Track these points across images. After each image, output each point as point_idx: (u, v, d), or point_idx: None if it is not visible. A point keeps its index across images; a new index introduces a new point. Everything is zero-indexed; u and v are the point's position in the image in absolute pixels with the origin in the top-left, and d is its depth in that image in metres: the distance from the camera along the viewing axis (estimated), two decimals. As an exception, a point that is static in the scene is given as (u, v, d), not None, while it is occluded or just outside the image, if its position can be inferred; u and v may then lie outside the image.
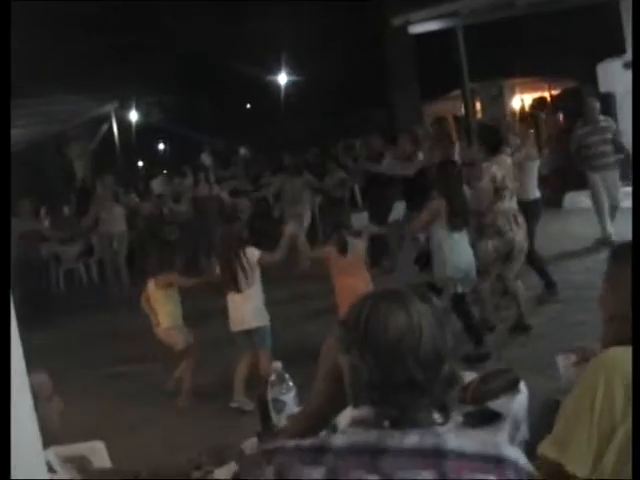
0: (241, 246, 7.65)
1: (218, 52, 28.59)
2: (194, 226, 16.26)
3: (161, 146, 44.03)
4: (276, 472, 1.91)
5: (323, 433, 2.17)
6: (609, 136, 13.50)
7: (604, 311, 2.91)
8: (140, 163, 35.73)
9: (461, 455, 1.86)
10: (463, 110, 18.99)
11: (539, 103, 24.82)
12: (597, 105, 13.97)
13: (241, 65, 28.97)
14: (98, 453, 4.86)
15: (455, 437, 1.91)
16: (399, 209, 12.25)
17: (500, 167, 8.86)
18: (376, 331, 1.96)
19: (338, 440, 1.94)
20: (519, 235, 8.80)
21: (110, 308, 14.07)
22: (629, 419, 2.55)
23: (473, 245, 8.57)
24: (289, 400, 3.53)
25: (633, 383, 2.54)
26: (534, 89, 25.57)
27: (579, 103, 16.71)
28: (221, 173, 22.35)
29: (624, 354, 2.65)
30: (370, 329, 1.97)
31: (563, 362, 3.81)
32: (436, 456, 1.85)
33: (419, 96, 23.95)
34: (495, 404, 3.98)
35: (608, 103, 16.97)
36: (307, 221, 15.98)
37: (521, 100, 25.51)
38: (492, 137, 9.53)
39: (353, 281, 7.96)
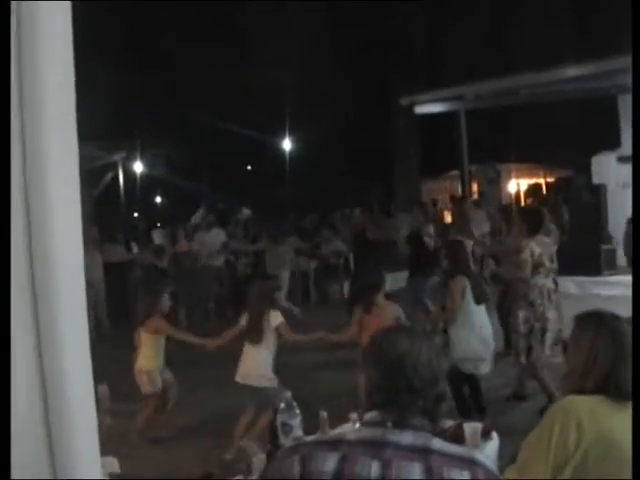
0: (271, 304, 7.90)
1: (225, 113, 29.06)
2: (190, 279, 16.71)
3: (158, 199, 44.21)
4: (301, 459, 2.44)
5: (339, 430, 2.71)
6: None
7: (567, 365, 3.45)
8: (135, 214, 35.63)
9: (443, 454, 2.39)
10: (460, 190, 19.46)
11: (534, 189, 25.31)
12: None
13: (246, 128, 29.52)
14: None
15: (440, 441, 2.46)
16: (398, 278, 12.70)
17: (538, 245, 9.20)
18: (386, 351, 2.58)
19: (351, 435, 2.52)
20: (550, 312, 9.04)
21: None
22: (578, 455, 3.09)
23: (506, 316, 8.89)
24: (295, 424, 4.12)
25: (633, 384, 3.14)
26: (530, 175, 26.05)
27: (572, 192, 17.29)
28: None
29: (578, 401, 3.23)
30: (382, 350, 2.60)
31: (468, 430, 4.46)
32: (424, 453, 2.39)
33: (419, 173, 24.53)
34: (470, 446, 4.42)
35: (599, 195, 17.48)
36: (286, 284, 16.37)
37: (517, 185, 26.00)
38: (533, 218, 9.94)
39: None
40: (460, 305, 8.39)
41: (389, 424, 2.46)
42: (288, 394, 4.24)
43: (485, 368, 8.60)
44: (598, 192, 17.49)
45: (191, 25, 26.55)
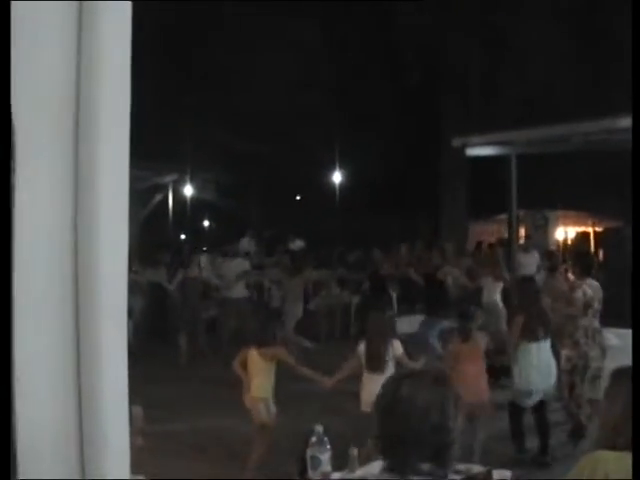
0: (390, 332, 8.29)
1: (277, 140, 29.22)
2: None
3: (206, 223, 44.52)
4: None
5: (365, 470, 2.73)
6: None
7: (600, 419, 3.42)
8: (183, 236, 35.95)
9: None
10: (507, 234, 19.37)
11: (582, 237, 25.15)
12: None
13: (298, 157, 29.65)
14: None
15: None
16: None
17: (589, 287, 9.90)
18: (397, 399, 2.60)
19: (370, 476, 2.68)
20: (594, 351, 9.48)
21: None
22: None
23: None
24: (324, 459, 4.09)
25: (633, 384, 3.11)
26: (578, 223, 25.92)
27: (620, 242, 17.12)
28: (264, 260, 22.89)
29: (608, 456, 3.22)
30: (391, 398, 2.65)
31: (496, 477, 4.38)
32: None
33: (466, 214, 24.47)
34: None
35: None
36: (295, 317, 16.39)
37: (565, 232, 25.87)
38: (585, 260, 10.76)
39: (471, 367, 8.50)
40: (520, 342, 8.86)
41: (396, 473, 2.47)
42: (320, 428, 4.22)
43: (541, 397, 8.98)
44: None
45: (247, 47, 26.63)
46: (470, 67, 24.13)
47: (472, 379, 8.36)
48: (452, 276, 16.24)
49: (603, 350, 8.70)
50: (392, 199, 31.14)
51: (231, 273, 17.05)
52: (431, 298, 15.44)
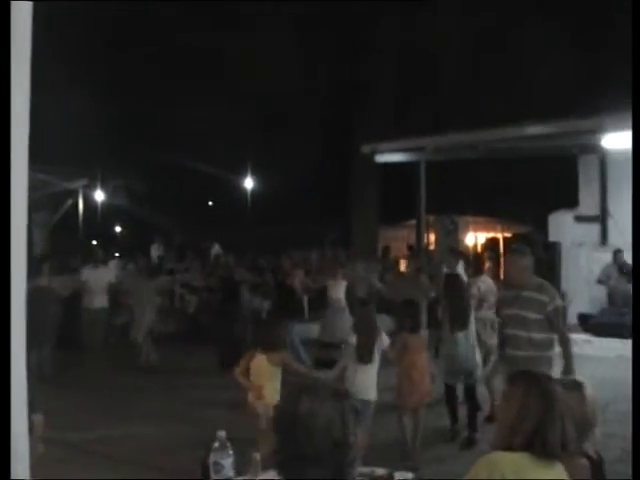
0: (377, 327, 8.76)
1: (188, 148, 29.14)
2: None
3: (118, 229, 44.13)
4: None
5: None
6: None
7: (497, 420, 3.51)
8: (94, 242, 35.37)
9: None
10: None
11: (491, 243, 25.52)
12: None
13: (209, 164, 29.61)
14: None
15: None
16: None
17: (483, 283, 11.45)
18: (296, 416, 2.54)
19: None
20: (492, 340, 10.19)
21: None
22: None
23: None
24: (227, 465, 4.09)
25: (633, 384, 3.23)
26: (487, 229, 26.30)
27: (530, 247, 17.45)
28: (174, 265, 22.78)
29: (504, 457, 3.30)
30: (290, 413, 2.56)
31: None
32: None
33: (377, 220, 24.64)
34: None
35: (554, 252, 17.69)
36: (146, 321, 16.41)
37: (475, 237, 26.23)
38: (476, 260, 12.80)
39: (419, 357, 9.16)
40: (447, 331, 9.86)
41: None
42: (222, 433, 4.21)
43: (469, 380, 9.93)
44: (553, 249, 17.68)
45: (162, 60, 26.60)
46: (381, 76, 24.33)
47: (421, 368, 9.04)
48: (298, 279, 17.10)
49: (502, 339, 9.08)
50: (303, 205, 31.26)
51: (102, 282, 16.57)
52: (282, 302, 15.71)
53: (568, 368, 7.59)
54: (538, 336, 7.63)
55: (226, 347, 14.60)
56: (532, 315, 7.60)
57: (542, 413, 3.35)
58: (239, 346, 13.58)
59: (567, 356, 7.74)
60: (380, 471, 4.60)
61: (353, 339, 8.69)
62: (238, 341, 14.46)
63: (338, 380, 8.52)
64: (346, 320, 13.95)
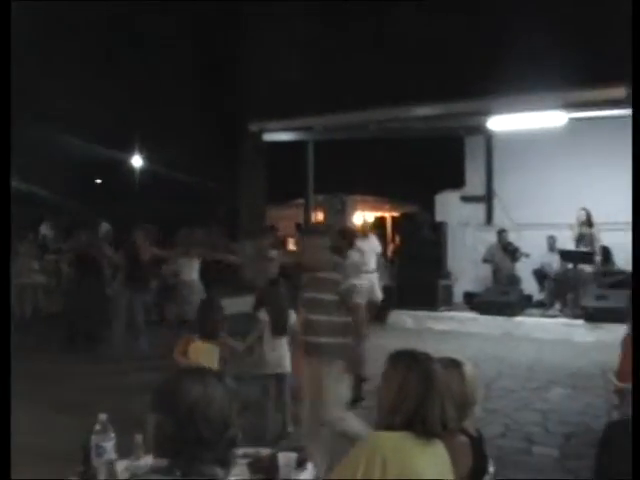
0: (286, 303, 8.82)
1: (76, 126, 28.58)
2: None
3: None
4: None
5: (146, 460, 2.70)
6: None
7: (378, 401, 3.50)
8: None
9: None
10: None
11: (379, 222, 25.76)
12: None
13: (96, 141, 29.11)
14: None
15: None
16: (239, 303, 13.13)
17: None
18: (177, 397, 2.49)
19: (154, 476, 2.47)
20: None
21: None
22: None
23: None
24: (109, 447, 4.00)
25: (633, 384, 3.21)
26: (375, 208, 26.52)
27: (416, 227, 17.66)
28: (61, 245, 22.29)
29: (385, 437, 3.31)
30: (172, 396, 2.53)
31: (282, 459, 4.39)
32: None
33: (265, 198, 24.59)
34: (285, 476, 4.40)
35: (440, 232, 17.92)
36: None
37: (363, 217, 26.40)
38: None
39: None
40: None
41: (178, 473, 2.42)
42: (104, 416, 4.12)
43: None
44: (439, 229, 17.91)
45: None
46: (271, 55, 24.23)
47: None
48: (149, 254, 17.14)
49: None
50: (191, 183, 31.02)
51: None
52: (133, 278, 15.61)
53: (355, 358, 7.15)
54: (335, 319, 7.02)
55: (76, 324, 14.74)
56: (327, 296, 7.06)
57: (422, 393, 3.37)
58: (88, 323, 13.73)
59: (356, 345, 7.13)
60: (264, 452, 4.57)
61: (263, 315, 8.82)
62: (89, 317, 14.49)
63: (248, 352, 8.71)
64: (195, 300, 14.12)
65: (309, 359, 7.03)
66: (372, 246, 15.23)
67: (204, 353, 8.20)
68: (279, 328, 8.70)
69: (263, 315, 8.84)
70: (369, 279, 14.59)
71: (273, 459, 4.39)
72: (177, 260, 14.83)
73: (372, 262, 15.03)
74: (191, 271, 14.56)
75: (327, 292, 7.04)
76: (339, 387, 6.74)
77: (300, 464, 4.55)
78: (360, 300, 7.22)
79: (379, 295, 14.91)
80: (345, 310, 6.98)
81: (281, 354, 8.71)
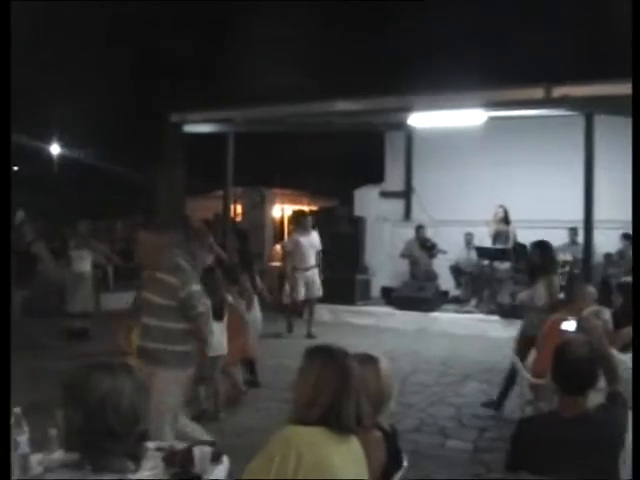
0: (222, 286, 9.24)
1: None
2: None
3: None
4: None
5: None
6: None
7: (293, 395, 3.48)
8: None
9: None
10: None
11: (298, 216, 25.73)
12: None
13: (14, 131, 28.54)
14: None
15: None
16: None
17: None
18: (86, 391, 2.45)
19: (48, 476, 2.48)
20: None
21: None
22: None
23: None
24: (22, 442, 3.93)
25: (633, 384, 3.19)
26: (294, 202, 26.49)
27: (335, 221, 17.71)
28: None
29: (300, 432, 3.30)
30: (82, 390, 2.50)
31: (197, 453, 4.37)
32: None
33: (184, 190, 24.39)
34: (200, 470, 4.37)
35: (359, 227, 17.99)
36: None
37: (281, 210, 26.37)
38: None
39: None
40: None
41: (88, 467, 2.38)
42: (17, 410, 4.04)
43: None
44: (358, 224, 17.98)
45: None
46: (192, 47, 24.08)
47: (236, 329, 9.54)
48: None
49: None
50: (111, 173, 30.68)
51: None
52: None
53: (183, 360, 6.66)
54: (171, 326, 6.58)
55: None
56: (162, 301, 6.58)
57: (337, 388, 3.38)
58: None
59: (200, 349, 6.77)
60: (179, 445, 4.52)
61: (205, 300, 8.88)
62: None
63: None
64: (88, 291, 14.44)
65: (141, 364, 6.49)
66: (312, 242, 15.24)
67: None
68: (218, 313, 8.78)
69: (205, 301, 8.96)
70: (307, 275, 14.96)
71: (188, 453, 4.35)
72: (69, 252, 14.69)
73: (312, 258, 15.13)
74: (81, 263, 14.46)
75: (163, 296, 6.59)
76: (165, 396, 6.29)
77: (215, 458, 4.51)
78: (203, 309, 6.71)
79: (319, 291, 15.13)
80: (184, 317, 6.59)
81: (219, 338, 8.79)
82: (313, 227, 15.46)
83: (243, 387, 9.90)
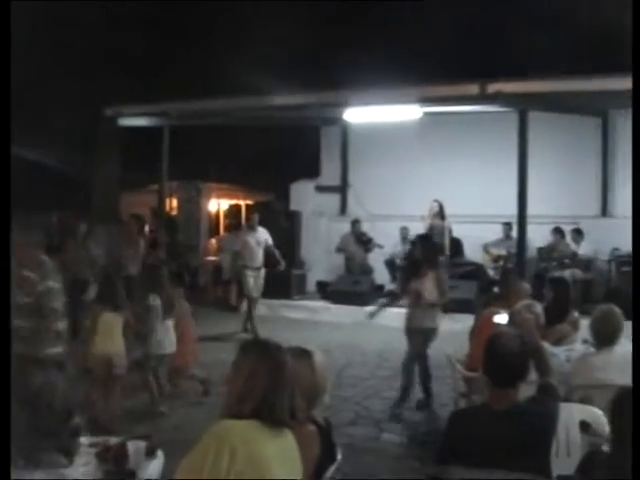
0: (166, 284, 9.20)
1: None
2: None
3: None
4: None
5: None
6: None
7: (227, 389, 3.48)
8: None
9: None
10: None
11: (234, 210, 25.67)
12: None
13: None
14: None
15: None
16: None
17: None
18: (18, 387, 2.41)
19: None
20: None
21: None
22: (232, 478, 3.15)
23: None
24: None
25: (633, 384, 3.20)
26: (230, 196, 26.40)
27: (271, 216, 17.70)
28: None
29: (233, 426, 3.30)
30: (14, 386, 2.51)
31: (131, 448, 4.33)
32: None
33: (119, 184, 24.17)
34: (134, 465, 4.33)
35: (295, 221, 18.01)
36: None
37: (217, 204, 26.26)
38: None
39: None
40: None
41: (20, 463, 2.36)
42: None
43: None
44: (294, 218, 18.00)
45: None
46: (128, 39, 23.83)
47: (182, 330, 9.45)
48: None
49: None
50: (45, 167, 30.27)
51: None
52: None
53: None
54: (25, 324, 6.34)
55: None
56: (26, 299, 6.42)
57: (271, 382, 3.39)
58: None
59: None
60: (113, 440, 4.48)
61: (155, 300, 8.95)
62: None
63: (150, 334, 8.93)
64: None
65: None
66: (259, 239, 14.80)
67: (110, 324, 8.30)
68: (168, 310, 8.95)
69: (154, 300, 8.98)
70: (256, 275, 14.59)
71: (122, 448, 4.32)
72: None
73: (259, 257, 14.69)
74: None
75: (25, 292, 6.47)
76: None
77: (150, 452, 4.48)
78: (56, 304, 6.59)
79: (258, 292, 14.80)
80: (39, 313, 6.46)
81: (164, 336, 8.88)
82: (249, 221, 15.37)
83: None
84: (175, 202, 22.78)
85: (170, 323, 8.98)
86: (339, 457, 4.17)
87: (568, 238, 15.93)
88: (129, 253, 13.48)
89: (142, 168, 21.90)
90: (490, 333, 4.69)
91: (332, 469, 4.03)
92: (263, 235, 14.91)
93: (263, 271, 14.77)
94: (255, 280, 14.61)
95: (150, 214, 19.24)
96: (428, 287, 9.33)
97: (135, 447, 4.36)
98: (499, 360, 4.26)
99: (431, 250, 10.19)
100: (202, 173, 24.51)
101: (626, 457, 3.22)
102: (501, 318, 6.19)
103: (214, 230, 23.86)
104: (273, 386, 3.38)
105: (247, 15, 22.73)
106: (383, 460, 7.33)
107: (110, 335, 8.13)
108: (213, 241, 21.92)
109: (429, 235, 9.91)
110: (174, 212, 22.17)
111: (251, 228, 14.95)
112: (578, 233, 15.85)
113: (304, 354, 4.08)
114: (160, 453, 4.55)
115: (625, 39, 14.79)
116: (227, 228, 24.37)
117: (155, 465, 4.45)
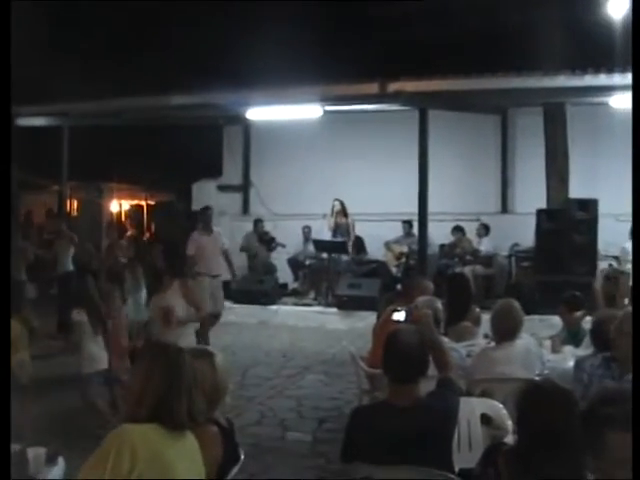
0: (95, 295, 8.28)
1: None
2: None
3: None
4: None
5: None
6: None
7: (126, 393, 3.46)
8: None
9: None
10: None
11: (136, 210, 25.40)
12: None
13: None
14: None
15: None
16: None
17: None
18: None
19: None
20: None
21: None
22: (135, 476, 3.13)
23: None
24: None
25: (633, 384, 3.18)
26: (132, 196, 26.15)
27: (171, 216, 17.56)
28: None
29: (133, 429, 3.25)
30: None
31: (31, 455, 4.30)
32: None
33: (17, 185, 23.69)
34: (34, 471, 4.25)
35: (203, 220, 17.90)
36: None
37: (119, 205, 25.98)
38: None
39: None
40: None
41: None
42: None
43: None
44: (202, 217, 17.91)
45: None
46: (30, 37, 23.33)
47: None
48: None
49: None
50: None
51: None
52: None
53: None
54: None
55: None
56: None
57: (168, 384, 3.35)
58: None
59: None
60: (13, 447, 4.40)
61: (79, 315, 8.02)
62: None
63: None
64: None
65: None
66: (216, 242, 12.68)
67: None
68: (99, 325, 8.00)
69: (78, 315, 8.08)
70: (213, 285, 12.23)
71: (22, 454, 4.24)
72: None
73: (216, 265, 12.49)
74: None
75: None
76: None
77: (50, 459, 4.41)
78: None
79: (221, 305, 12.68)
80: None
81: (96, 352, 7.95)
82: (155, 221, 15.16)
83: None
84: (76, 203, 22.42)
85: (98, 340, 7.94)
86: (242, 457, 4.17)
87: (474, 233, 16.18)
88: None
89: (42, 169, 21.50)
90: (390, 330, 4.74)
91: (235, 469, 4.03)
92: (219, 238, 12.87)
93: (219, 282, 12.61)
94: (212, 291, 12.09)
95: (45, 216, 18.95)
96: (176, 301, 8.35)
97: (35, 454, 4.30)
98: (398, 356, 4.30)
99: (174, 257, 9.53)
100: (103, 174, 24.20)
101: (533, 449, 3.27)
102: (399, 315, 6.25)
103: (122, 231, 23.65)
104: (169, 388, 3.34)
105: (150, 17, 22.49)
106: (288, 459, 7.34)
107: (13, 344, 7.78)
108: (123, 242, 21.71)
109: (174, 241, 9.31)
110: (75, 214, 21.83)
111: (206, 229, 12.87)
112: (485, 228, 16.10)
113: (205, 354, 4.07)
114: (61, 460, 4.48)
115: (522, 40, 15.12)
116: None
117: (56, 472, 4.38)
